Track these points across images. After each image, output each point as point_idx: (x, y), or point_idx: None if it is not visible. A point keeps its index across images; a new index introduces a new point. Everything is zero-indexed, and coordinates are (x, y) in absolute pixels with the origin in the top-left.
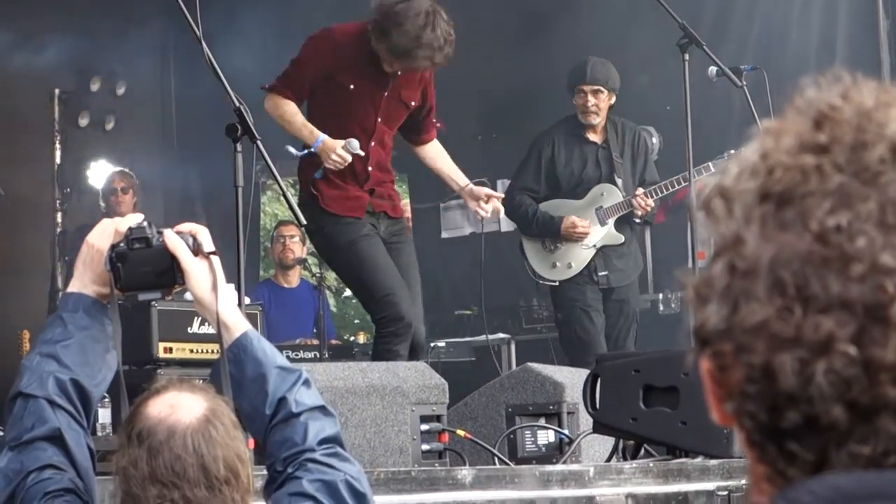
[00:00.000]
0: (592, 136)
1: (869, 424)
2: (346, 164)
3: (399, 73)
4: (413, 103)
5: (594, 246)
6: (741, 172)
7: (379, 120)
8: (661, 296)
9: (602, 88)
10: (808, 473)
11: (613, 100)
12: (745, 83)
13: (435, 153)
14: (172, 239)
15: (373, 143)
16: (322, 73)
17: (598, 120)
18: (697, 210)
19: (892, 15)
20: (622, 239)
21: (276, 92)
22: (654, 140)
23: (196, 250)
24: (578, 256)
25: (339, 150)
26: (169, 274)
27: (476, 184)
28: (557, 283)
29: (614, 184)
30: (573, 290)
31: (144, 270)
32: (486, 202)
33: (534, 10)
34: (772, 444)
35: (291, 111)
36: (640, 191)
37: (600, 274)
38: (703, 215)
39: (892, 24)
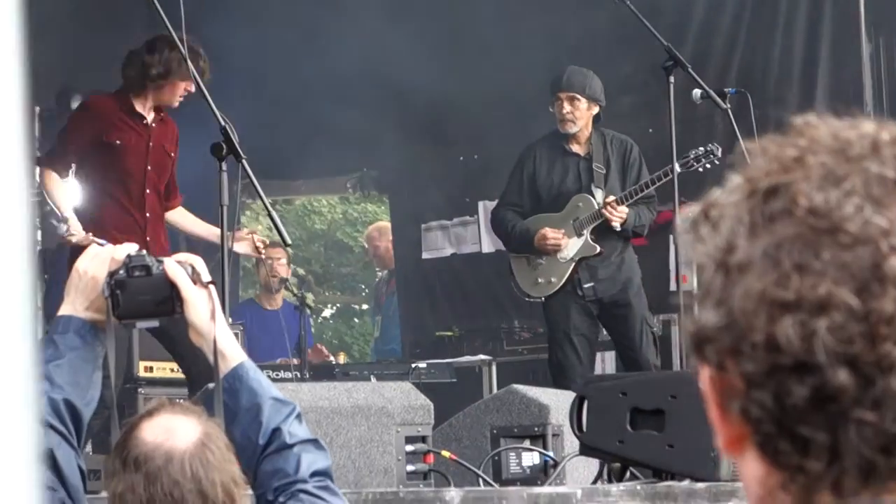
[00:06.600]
0: (575, 148)
1: (874, 387)
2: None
3: (154, 124)
4: (172, 154)
5: (571, 259)
6: (726, 191)
7: (149, 168)
8: None
9: (578, 96)
10: (825, 463)
11: (596, 110)
12: (729, 106)
13: (183, 218)
14: (173, 268)
15: (147, 191)
16: (88, 139)
17: (576, 129)
18: (683, 233)
19: (874, 39)
20: (597, 249)
21: (46, 166)
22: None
23: (194, 279)
24: (558, 270)
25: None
26: (168, 302)
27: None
28: (543, 300)
29: (591, 194)
30: (558, 314)
31: (144, 298)
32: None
33: (517, 30)
34: (784, 436)
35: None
36: (612, 198)
37: (585, 286)
38: (689, 238)
39: (875, 47)
